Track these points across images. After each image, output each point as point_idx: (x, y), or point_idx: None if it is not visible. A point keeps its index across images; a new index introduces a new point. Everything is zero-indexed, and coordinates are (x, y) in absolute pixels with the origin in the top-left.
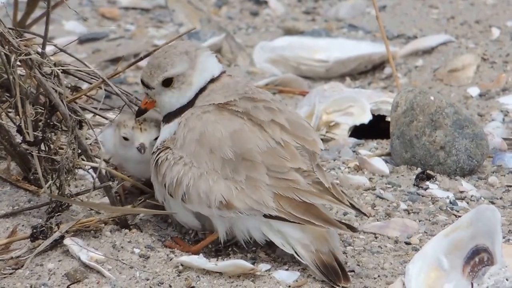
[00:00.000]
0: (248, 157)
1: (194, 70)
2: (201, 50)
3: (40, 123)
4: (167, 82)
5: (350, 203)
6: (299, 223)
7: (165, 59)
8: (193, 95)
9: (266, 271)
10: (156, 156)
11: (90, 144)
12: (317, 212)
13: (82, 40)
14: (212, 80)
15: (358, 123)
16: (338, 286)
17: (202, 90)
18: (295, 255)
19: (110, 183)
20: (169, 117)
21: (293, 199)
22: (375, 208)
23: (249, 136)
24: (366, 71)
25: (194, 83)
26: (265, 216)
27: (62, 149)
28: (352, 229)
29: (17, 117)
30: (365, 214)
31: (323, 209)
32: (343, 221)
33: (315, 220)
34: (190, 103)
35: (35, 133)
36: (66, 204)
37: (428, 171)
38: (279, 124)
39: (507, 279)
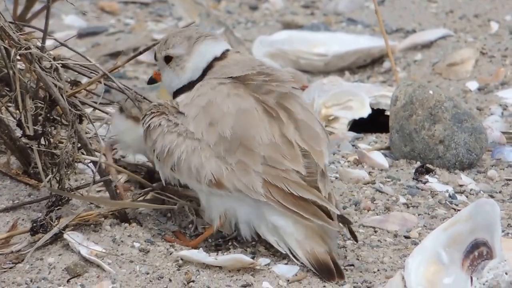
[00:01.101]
0: (247, 144)
1: (190, 56)
2: (202, 38)
3: (40, 117)
4: (168, 59)
5: (341, 216)
6: (288, 212)
7: (172, 38)
8: (188, 78)
9: (265, 265)
10: (149, 120)
11: (90, 138)
12: (307, 205)
13: (82, 34)
14: (217, 59)
15: (357, 117)
16: (330, 283)
17: (208, 68)
18: (290, 254)
19: (110, 177)
20: (177, 93)
21: (282, 189)
22: (374, 202)
23: (256, 123)
24: (365, 65)
25: (188, 68)
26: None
27: (62, 143)
28: (347, 221)
29: (17, 111)
30: (354, 238)
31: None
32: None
33: (304, 212)
34: (194, 83)
35: (35, 127)
36: (66, 198)
37: (427, 165)
38: (292, 118)
39: (506, 273)
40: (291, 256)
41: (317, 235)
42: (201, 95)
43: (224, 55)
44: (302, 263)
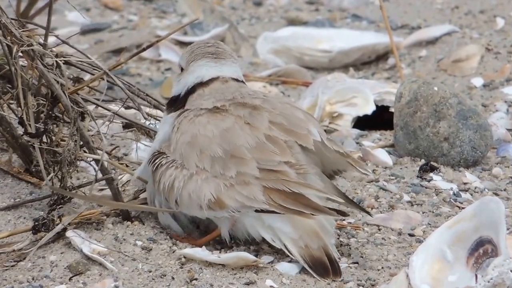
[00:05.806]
0: (237, 154)
1: (186, 71)
2: (197, 58)
3: (42, 115)
4: (180, 67)
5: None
6: (289, 213)
7: (188, 48)
8: (180, 92)
9: (269, 263)
10: (153, 162)
11: (92, 135)
12: (307, 201)
13: (85, 31)
14: (201, 84)
15: (361, 114)
16: (326, 280)
17: (191, 91)
18: (285, 249)
19: (112, 175)
20: (169, 105)
21: (283, 191)
22: (378, 200)
23: (239, 133)
24: (370, 61)
25: (180, 83)
26: (256, 211)
27: (64, 141)
28: (342, 214)
29: (19, 108)
30: (365, 211)
31: (314, 198)
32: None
33: (305, 209)
34: (182, 100)
35: (37, 125)
36: (68, 196)
37: (431, 163)
38: (274, 123)
39: (511, 271)
40: (286, 251)
41: (312, 232)
42: (183, 134)
43: (209, 81)
44: (296, 260)
